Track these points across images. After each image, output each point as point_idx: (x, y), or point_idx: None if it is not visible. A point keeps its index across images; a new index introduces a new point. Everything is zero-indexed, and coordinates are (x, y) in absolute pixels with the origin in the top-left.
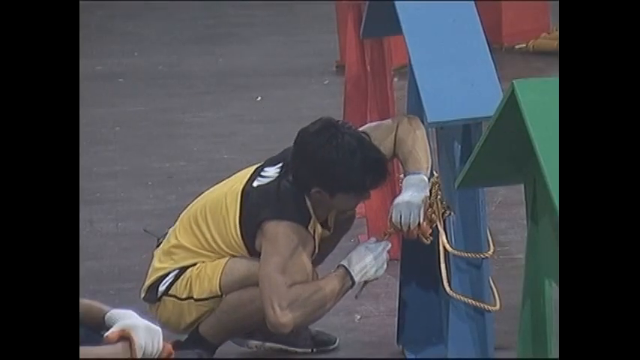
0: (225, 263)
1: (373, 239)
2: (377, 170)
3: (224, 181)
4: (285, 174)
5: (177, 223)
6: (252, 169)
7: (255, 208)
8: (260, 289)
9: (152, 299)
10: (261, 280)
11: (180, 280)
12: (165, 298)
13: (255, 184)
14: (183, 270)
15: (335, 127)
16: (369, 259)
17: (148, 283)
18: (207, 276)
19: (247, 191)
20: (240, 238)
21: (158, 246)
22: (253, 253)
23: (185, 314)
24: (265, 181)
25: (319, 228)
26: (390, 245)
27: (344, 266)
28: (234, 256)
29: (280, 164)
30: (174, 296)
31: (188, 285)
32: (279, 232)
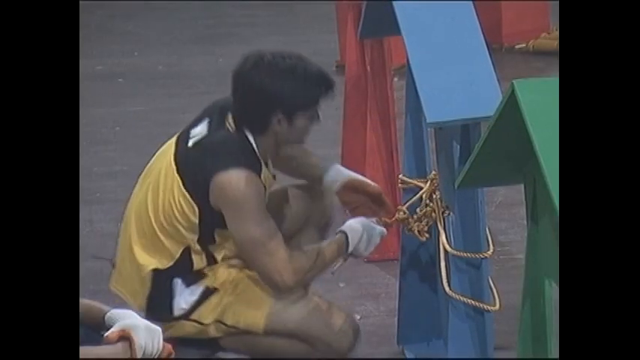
0: (272, 306)
1: (373, 220)
2: (326, 78)
3: (149, 167)
4: (218, 126)
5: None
6: (172, 140)
7: (198, 166)
8: (252, 254)
9: (163, 319)
10: (250, 246)
11: (204, 306)
12: (184, 322)
13: (189, 144)
14: (205, 292)
15: (266, 53)
16: (365, 236)
17: (144, 299)
18: (245, 310)
19: (181, 156)
20: (190, 202)
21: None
22: (207, 212)
23: (207, 332)
24: (198, 138)
25: (266, 171)
26: (385, 233)
27: (344, 233)
28: (200, 239)
29: (207, 120)
30: (197, 321)
31: (217, 311)
32: (237, 184)
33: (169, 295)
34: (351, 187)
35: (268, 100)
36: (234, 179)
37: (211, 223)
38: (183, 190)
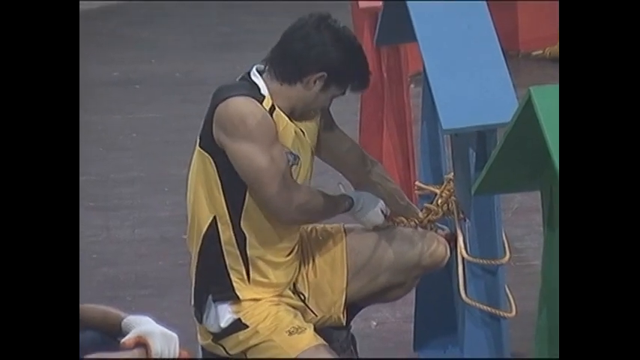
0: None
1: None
2: (369, 72)
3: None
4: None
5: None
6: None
7: (207, 115)
8: (255, 182)
9: (197, 316)
10: (253, 173)
11: (232, 337)
12: (211, 341)
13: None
14: (236, 324)
15: (330, 15)
16: (368, 210)
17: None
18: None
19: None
20: (204, 155)
21: None
22: (218, 159)
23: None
24: None
25: (285, 119)
26: (383, 221)
27: (352, 201)
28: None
29: None
30: (223, 347)
31: (243, 346)
32: (234, 106)
33: (201, 303)
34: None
35: (321, 57)
36: (230, 104)
37: (229, 180)
38: (198, 145)
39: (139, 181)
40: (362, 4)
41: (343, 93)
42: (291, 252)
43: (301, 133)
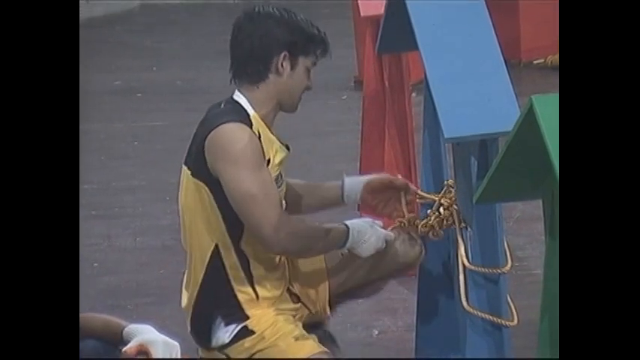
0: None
1: (380, 223)
2: (322, 34)
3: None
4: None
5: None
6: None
7: (194, 143)
8: (243, 207)
9: (202, 345)
10: (242, 197)
11: (238, 345)
12: (216, 352)
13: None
14: (242, 331)
15: (258, 5)
16: (369, 239)
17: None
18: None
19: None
20: (198, 184)
21: None
22: (214, 187)
23: None
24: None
25: (276, 143)
26: (391, 237)
27: (347, 227)
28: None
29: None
30: (227, 355)
31: (248, 353)
32: (225, 134)
33: (209, 328)
34: (373, 187)
35: (273, 40)
36: (220, 131)
37: (227, 204)
38: (190, 176)
39: (141, 190)
40: (364, 13)
41: (314, 63)
42: (281, 258)
43: (286, 153)
